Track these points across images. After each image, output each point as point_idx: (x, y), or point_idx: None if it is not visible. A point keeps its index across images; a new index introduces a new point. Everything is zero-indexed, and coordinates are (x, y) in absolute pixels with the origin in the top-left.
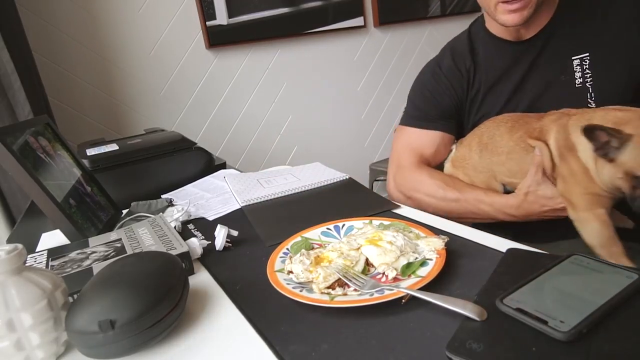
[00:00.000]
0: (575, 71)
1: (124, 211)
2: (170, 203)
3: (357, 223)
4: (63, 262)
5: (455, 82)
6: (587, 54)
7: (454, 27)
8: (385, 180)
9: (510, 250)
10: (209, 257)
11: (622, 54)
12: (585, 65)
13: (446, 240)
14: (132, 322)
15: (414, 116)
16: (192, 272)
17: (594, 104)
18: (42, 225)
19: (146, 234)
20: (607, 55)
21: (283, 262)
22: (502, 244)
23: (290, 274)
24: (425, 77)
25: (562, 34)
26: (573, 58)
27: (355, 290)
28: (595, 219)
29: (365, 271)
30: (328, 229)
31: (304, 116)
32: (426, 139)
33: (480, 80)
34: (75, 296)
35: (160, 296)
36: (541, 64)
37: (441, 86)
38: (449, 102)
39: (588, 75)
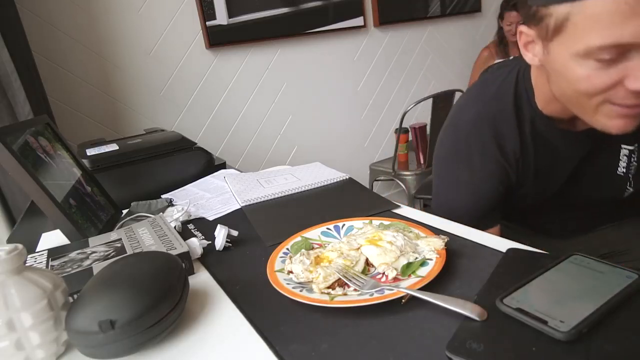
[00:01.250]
0: (621, 160)
1: (124, 211)
2: (170, 203)
3: (357, 223)
4: (63, 262)
5: (504, 174)
6: (636, 146)
7: (454, 27)
8: (385, 180)
9: (510, 250)
10: (209, 257)
11: None
12: (634, 157)
13: (446, 240)
14: (132, 322)
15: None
16: (192, 272)
17: (631, 189)
18: (42, 225)
19: (146, 234)
20: None
21: (283, 262)
22: (502, 244)
23: (290, 274)
24: (454, 162)
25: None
26: (623, 147)
27: (355, 290)
28: None
29: (365, 271)
30: (328, 229)
31: (304, 116)
32: None
33: (527, 164)
34: (75, 296)
35: (160, 296)
36: (590, 153)
37: (484, 179)
38: (494, 199)
39: (632, 167)
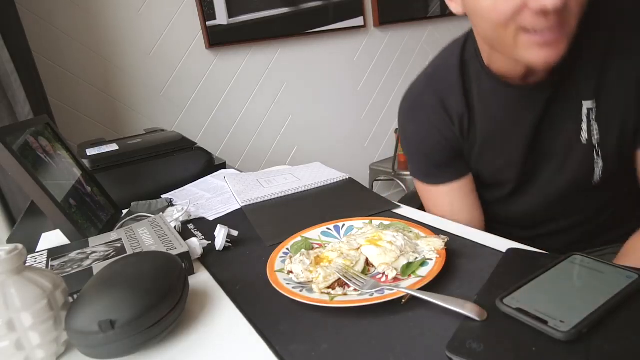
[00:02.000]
0: (582, 121)
1: (124, 211)
2: (170, 203)
3: (357, 223)
4: (63, 262)
5: (445, 129)
6: (595, 104)
7: (454, 27)
8: (385, 180)
9: (510, 250)
10: (209, 257)
11: (634, 108)
12: (592, 116)
13: (446, 240)
14: (132, 322)
15: (419, 170)
16: (192, 272)
17: (600, 162)
18: (42, 225)
19: (146, 234)
20: (617, 108)
21: (283, 262)
22: (502, 244)
23: (290, 274)
24: (408, 120)
25: (570, 82)
26: (581, 108)
27: (355, 290)
28: None
29: (365, 271)
30: (328, 229)
31: (304, 116)
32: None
33: (475, 126)
34: (75, 296)
35: (160, 296)
36: (545, 112)
37: (425, 134)
38: (439, 154)
39: (594, 129)
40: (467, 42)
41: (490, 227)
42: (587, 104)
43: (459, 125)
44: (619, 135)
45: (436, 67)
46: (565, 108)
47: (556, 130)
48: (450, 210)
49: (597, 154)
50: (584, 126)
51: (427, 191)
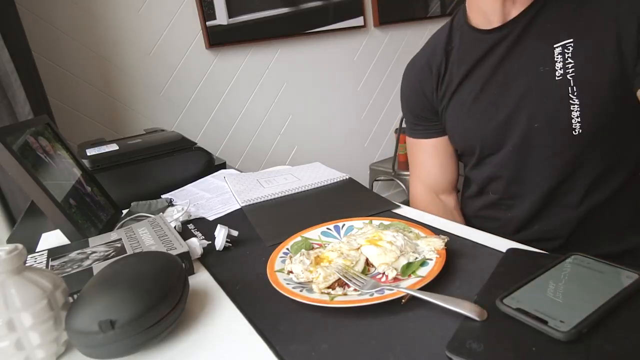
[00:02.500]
0: (556, 61)
1: (124, 211)
2: (170, 203)
3: (357, 223)
4: (63, 262)
5: (425, 84)
6: (571, 40)
7: None
8: (385, 180)
9: (510, 250)
10: (209, 257)
11: (610, 46)
12: (568, 53)
13: (446, 240)
14: (132, 322)
15: (407, 124)
16: (192, 272)
17: (577, 100)
18: (42, 225)
19: (146, 234)
20: (593, 45)
21: (283, 262)
22: (502, 244)
23: (290, 274)
24: (403, 79)
25: (546, 16)
26: (555, 46)
27: (355, 290)
28: None
29: (365, 271)
30: (328, 229)
31: (304, 116)
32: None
33: (451, 76)
34: (75, 296)
35: (160, 296)
36: (517, 51)
37: (410, 89)
38: (420, 107)
39: (570, 65)
40: (460, 9)
41: (483, 224)
42: (559, 45)
43: (436, 77)
44: (599, 72)
45: (433, 35)
46: (538, 47)
47: (529, 69)
48: (421, 163)
49: (573, 92)
50: (559, 64)
51: (410, 145)
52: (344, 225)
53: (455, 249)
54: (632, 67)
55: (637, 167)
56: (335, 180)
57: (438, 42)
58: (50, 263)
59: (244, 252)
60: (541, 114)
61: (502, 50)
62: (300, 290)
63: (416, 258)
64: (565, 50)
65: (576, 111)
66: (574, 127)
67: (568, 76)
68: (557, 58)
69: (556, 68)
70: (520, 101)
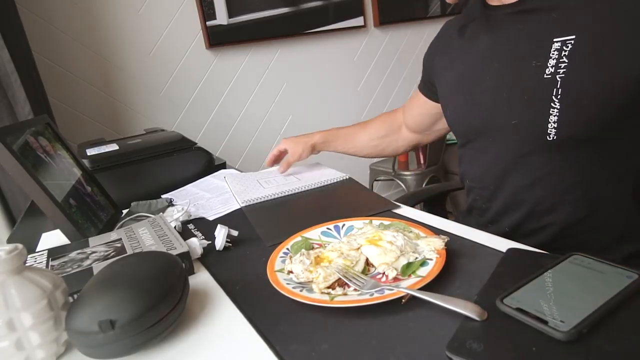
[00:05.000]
0: (551, 57)
1: (124, 211)
2: (170, 203)
3: (357, 223)
4: (63, 262)
5: (440, 53)
6: (573, 37)
7: None
8: (385, 180)
9: (510, 250)
10: (209, 257)
11: (612, 49)
12: (565, 51)
13: (446, 240)
14: (132, 322)
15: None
16: (192, 272)
17: (558, 105)
18: (42, 225)
19: (146, 234)
20: (594, 45)
21: (283, 262)
22: (502, 244)
23: (290, 274)
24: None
25: (554, 3)
26: (555, 40)
27: (355, 290)
28: None
29: (365, 271)
30: (328, 229)
31: (304, 116)
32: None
33: (453, 50)
34: (75, 296)
35: (160, 296)
36: (514, 38)
37: (429, 52)
38: (428, 71)
39: (563, 65)
40: None
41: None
42: (558, 40)
43: (445, 47)
44: (590, 79)
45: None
46: (538, 37)
47: (522, 61)
48: (405, 108)
49: (557, 94)
50: (552, 61)
51: (414, 92)
52: (344, 225)
53: (455, 249)
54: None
55: (615, 190)
56: (335, 180)
57: (468, 16)
58: (50, 263)
59: (244, 252)
60: (521, 111)
61: (499, 33)
62: (300, 290)
63: (416, 258)
64: (564, 48)
65: (555, 115)
66: (548, 132)
67: (557, 77)
68: (553, 54)
69: (548, 65)
70: (504, 93)
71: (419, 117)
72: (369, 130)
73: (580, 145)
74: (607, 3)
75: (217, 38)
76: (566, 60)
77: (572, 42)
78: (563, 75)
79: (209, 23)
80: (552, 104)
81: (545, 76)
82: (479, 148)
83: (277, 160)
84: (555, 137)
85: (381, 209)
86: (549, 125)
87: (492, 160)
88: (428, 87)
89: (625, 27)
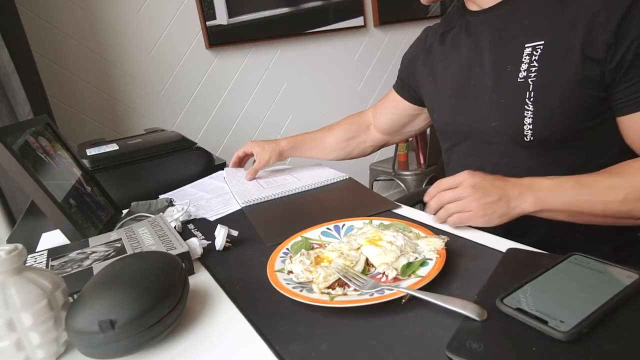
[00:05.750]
0: (523, 62)
1: (124, 211)
2: (170, 203)
3: (357, 223)
4: (63, 262)
5: (418, 55)
6: (542, 42)
7: None
8: (385, 180)
9: (510, 250)
10: (209, 257)
11: (577, 54)
12: (536, 55)
13: (446, 240)
14: (133, 322)
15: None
16: (192, 272)
17: (531, 107)
18: (42, 225)
19: (146, 234)
20: (561, 50)
21: (283, 262)
22: (502, 244)
23: (290, 274)
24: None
25: (525, 11)
26: (526, 45)
27: (355, 290)
28: None
29: (365, 271)
30: (328, 229)
31: (304, 116)
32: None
33: (435, 53)
34: (75, 296)
35: (160, 296)
36: (491, 43)
37: (408, 55)
38: (405, 73)
39: (534, 69)
40: None
41: None
42: (529, 45)
43: (425, 52)
44: (559, 81)
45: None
46: (512, 42)
47: (498, 65)
48: (377, 108)
49: (530, 97)
50: (524, 65)
51: (389, 92)
52: (344, 225)
53: (455, 249)
54: (600, 83)
55: None
56: (335, 180)
57: (445, 22)
58: (50, 263)
59: (244, 252)
60: (500, 114)
61: (481, 39)
62: (300, 290)
63: (416, 258)
64: (534, 52)
65: (529, 117)
66: (525, 133)
67: (529, 80)
68: (525, 59)
69: (521, 69)
70: (485, 96)
71: (392, 117)
72: (336, 133)
73: (559, 146)
74: (571, 10)
75: (217, 38)
76: (536, 65)
77: (542, 47)
78: (534, 79)
79: (209, 23)
80: (526, 106)
81: (519, 80)
82: (465, 151)
83: (240, 161)
84: (532, 138)
85: (381, 209)
86: (525, 127)
87: (479, 164)
88: (405, 89)
89: (585, 34)
